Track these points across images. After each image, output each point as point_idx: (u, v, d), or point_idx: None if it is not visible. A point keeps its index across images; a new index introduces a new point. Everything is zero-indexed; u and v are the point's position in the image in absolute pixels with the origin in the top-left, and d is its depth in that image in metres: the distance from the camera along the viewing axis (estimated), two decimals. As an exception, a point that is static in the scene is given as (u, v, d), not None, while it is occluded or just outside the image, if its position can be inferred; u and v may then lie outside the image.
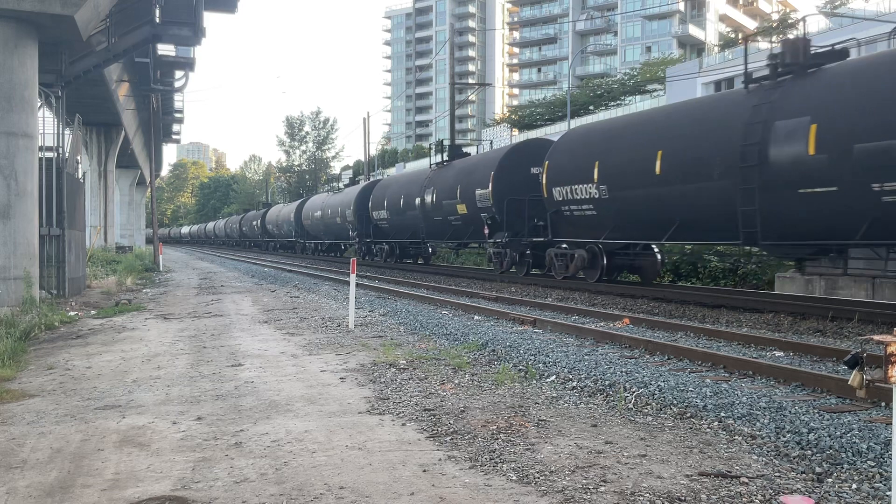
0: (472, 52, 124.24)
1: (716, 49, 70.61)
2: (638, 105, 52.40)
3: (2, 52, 13.44)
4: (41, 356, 8.82)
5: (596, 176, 16.02)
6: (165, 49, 26.24)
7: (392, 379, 7.09)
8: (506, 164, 20.74)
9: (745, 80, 13.03)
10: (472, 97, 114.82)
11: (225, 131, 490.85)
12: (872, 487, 4.08)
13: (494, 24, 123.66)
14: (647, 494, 3.95)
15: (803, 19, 15.36)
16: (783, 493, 3.99)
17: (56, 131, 16.44)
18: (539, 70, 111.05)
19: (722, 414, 5.59)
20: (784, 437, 5.01)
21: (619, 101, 62.93)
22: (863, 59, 12.11)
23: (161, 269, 30.37)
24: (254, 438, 5.09)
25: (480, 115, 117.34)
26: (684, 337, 9.72)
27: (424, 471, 4.37)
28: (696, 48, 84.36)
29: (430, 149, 27.38)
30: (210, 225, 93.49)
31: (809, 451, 4.71)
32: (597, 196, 16.12)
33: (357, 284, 14.81)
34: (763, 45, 54.76)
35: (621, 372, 7.14)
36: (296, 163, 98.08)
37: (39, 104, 15.09)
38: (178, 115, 40.82)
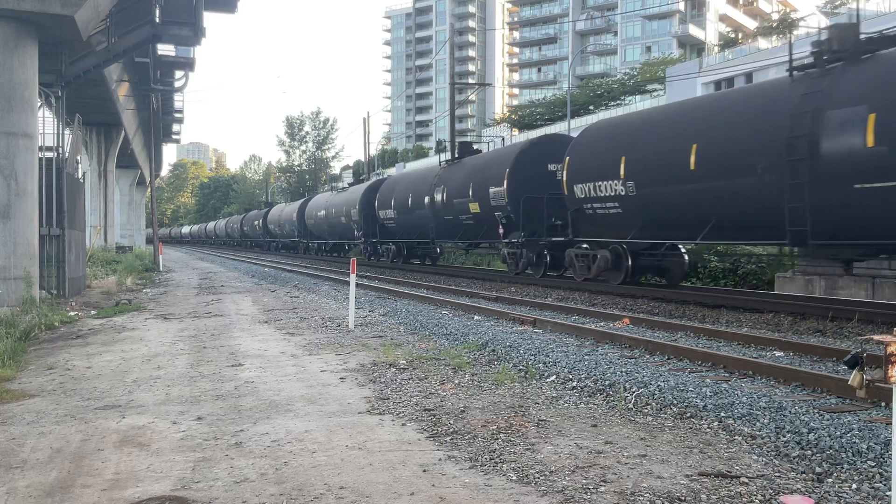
0: (472, 52, 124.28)
1: (716, 49, 70.60)
2: (638, 105, 52.40)
3: (2, 52, 13.44)
4: (41, 356, 8.82)
5: (622, 172, 15.19)
6: (165, 49, 26.24)
7: (392, 379, 7.09)
8: (521, 161, 19.91)
9: (789, 67, 12.23)
10: (472, 97, 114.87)
11: (225, 131, 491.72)
12: (872, 487, 4.08)
13: (494, 24, 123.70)
14: (647, 494, 3.95)
15: None
16: (783, 493, 3.99)
17: (56, 131, 16.44)
18: (539, 70, 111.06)
19: (722, 414, 5.59)
20: (784, 437, 5.00)
21: (619, 101, 62.97)
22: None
23: (161, 269, 30.36)
24: (254, 438, 5.09)
25: (480, 115, 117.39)
26: (684, 337, 9.72)
27: (424, 471, 4.37)
28: (696, 48, 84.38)
29: (438, 147, 27.16)
30: (210, 225, 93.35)
31: (809, 451, 4.71)
32: (623, 193, 15.27)
33: (357, 284, 14.82)
34: (763, 44, 54.75)
35: (621, 372, 7.14)
36: (296, 163, 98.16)
37: (39, 104, 15.09)
38: (178, 115, 40.82)
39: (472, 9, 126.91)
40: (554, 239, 18.67)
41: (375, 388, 6.69)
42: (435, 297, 15.65)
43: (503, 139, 27.25)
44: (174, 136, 47.78)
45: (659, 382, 6.59)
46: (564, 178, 17.43)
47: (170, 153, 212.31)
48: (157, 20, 18.18)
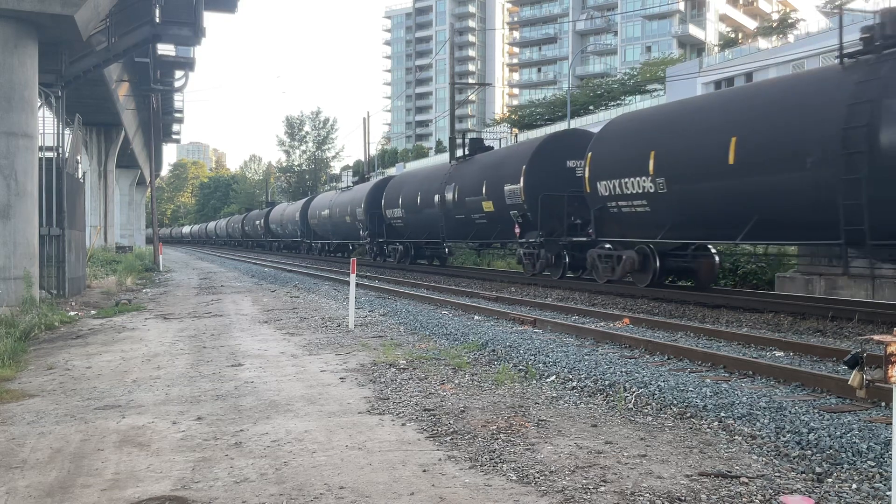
0: (472, 52, 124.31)
1: (716, 49, 70.64)
2: (638, 105, 52.43)
3: (2, 52, 13.44)
4: (41, 356, 8.82)
5: (651, 167, 14.24)
6: (165, 49, 26.22)
7: (392, 379, 7.09)
8: (539, 157, 18.98)
9: (839, 54, 11.44)
10: (472, 97, 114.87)
11: (225, 131, 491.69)
12: (872, 487, 4.08)
13: (494, 24, 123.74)
14: (647, 494, 3.95)
15: None
16: (783, 493, 3.99)
17: (56, 131, 16.43)
18: (539, 70, 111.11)
19: (722, 414, 5.59)
20: (784, 437, 5.00)
21: (619, 101, 63.03)
22: None
23: (161, 269, 30.37)
24: (254, 438, 5.09)
25: (480, 115, 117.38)
26: (684, 337, 9.72)
27: (424, 471, 4.37)
28: (696, 48, 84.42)
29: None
30: (211, 225, 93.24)
31: (809, 451, 4.71)
32: (652, 190, 14.35)
33: (357, 284, 14.82)
34: (763, 44, 54.79)
35: (621, 372, 7.14)
36: (296, 163, 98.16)
37: (39, 104, 15.09)
38: (178, 114, 40.81)
39: (472, 9, 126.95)
40: (575, 239, 17.91)
41: (375, 388, 6.69)
42: (435, 297, 15.66)
43: (500, 141, 26.79)
44: (174, 136, 47.79)
45: (659, 382, 6.59)
46: (586, 175, 16.55)
47: (170, 153, 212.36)
48: (157, 20, 18.18)
